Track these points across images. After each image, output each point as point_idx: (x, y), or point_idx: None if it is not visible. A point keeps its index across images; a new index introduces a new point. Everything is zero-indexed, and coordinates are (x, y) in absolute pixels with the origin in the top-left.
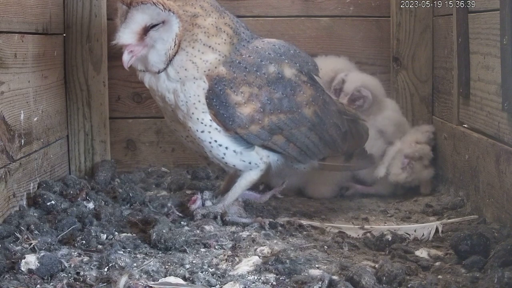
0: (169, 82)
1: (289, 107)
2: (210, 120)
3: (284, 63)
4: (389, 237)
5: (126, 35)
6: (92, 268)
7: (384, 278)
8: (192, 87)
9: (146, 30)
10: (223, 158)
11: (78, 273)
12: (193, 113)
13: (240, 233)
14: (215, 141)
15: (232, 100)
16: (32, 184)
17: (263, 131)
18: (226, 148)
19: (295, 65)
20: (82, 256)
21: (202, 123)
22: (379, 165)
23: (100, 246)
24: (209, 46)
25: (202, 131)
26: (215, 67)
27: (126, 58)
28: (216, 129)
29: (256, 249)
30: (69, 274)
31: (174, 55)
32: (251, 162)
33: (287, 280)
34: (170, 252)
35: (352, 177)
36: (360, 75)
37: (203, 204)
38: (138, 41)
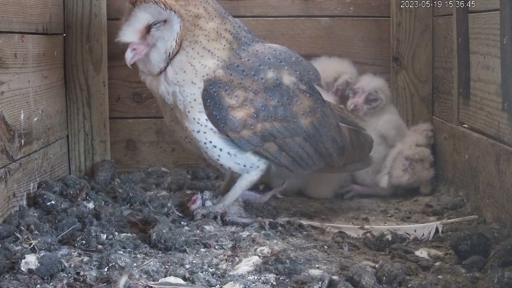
0: (168, 85)
1: (284, 116)
2: (206, 120)
3: (284, 69)
4: (389, 237)
5: (129, 33)
6: (92, 268)
7: (384, 278)
8: (189, 86)
9: (148, 29)
10: (218, 159)
11: (78, 273)
12: (189, 112)
13: (240, 233)
14: (210, 142)
15: (225, 103)
16: (32, 184)
17: (255, 137)
18: (221, 149)
19: (295, 72)
20: (82, 256)
21: (198, 123)
22: (381, 173)
23: (100, 246)
24: (208, 51)
25: (198, 131)
26: (214, 72)
27: (129, 55)
28: (211, 129)
29: (256, 249)
30: (69, 274)
31: (175, 55)
32: (246, 165)
33: (287, 280)
34: (170, 252)
35: (351, 179)
36: (375, 77)
37: (203, 204)
38: (140, 40)
